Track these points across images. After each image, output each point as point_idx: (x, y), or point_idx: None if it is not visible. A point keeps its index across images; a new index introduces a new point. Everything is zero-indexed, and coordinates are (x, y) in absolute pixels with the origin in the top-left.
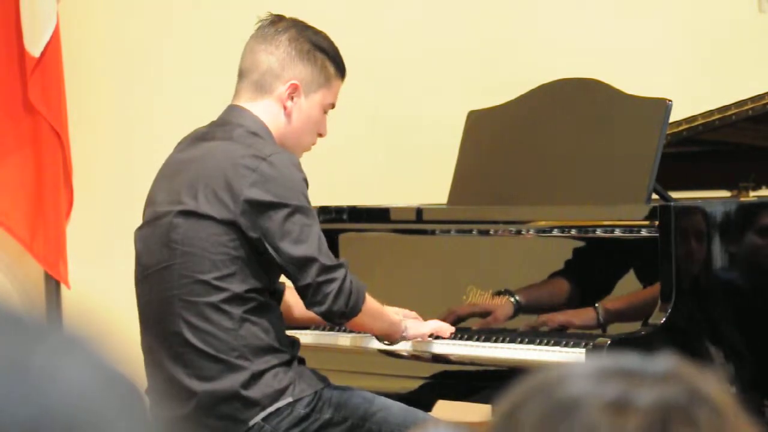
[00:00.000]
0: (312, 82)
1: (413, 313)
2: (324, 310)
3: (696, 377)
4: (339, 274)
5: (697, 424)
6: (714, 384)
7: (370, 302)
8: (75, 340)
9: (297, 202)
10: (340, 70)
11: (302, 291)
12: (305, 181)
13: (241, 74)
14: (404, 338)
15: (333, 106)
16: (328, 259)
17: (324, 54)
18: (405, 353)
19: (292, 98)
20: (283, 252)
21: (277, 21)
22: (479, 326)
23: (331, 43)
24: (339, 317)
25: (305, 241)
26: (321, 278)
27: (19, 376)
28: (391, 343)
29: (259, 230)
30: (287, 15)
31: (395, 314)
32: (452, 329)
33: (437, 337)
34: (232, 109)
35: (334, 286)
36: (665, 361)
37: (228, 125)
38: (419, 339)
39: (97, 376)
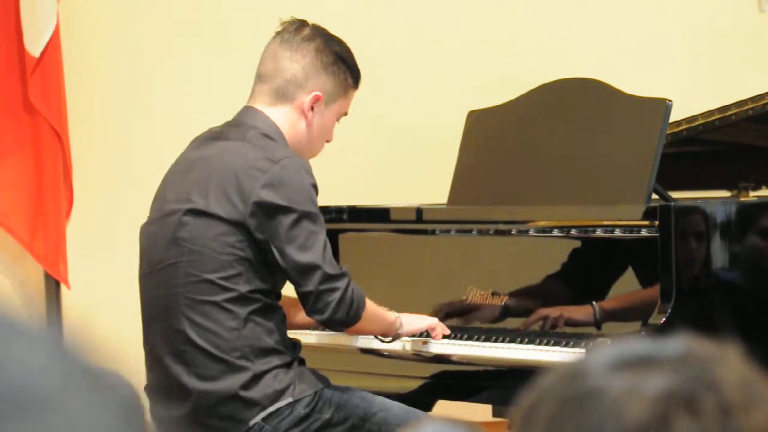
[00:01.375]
0: (333, 93)
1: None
2: (325, 319)
3: (709, 360)
4: (341, 283)
5: (700, 414)
6: (729, 366)
7: (368, 306)
8: (26, 328)
9: (305, 208)
10: (357, 80)
11: (304, 297)
12: (315, 187)
13: (261, 78)
14: (399, 335)
15: (346, 114)
16: (331, 267)
17: (346, 65)
18: (405, 353)
19: (312, 108)
20: (288, 257)
21: (300, 28)
22: (479, 326)
23: (351, 54)
24: (339, 325)
25: (310, 248)
26: (323, 287)
27: None
28: (390, 341)
29: (266, 233)
30: (285, 16)
31: (390, 313)
32: (447, 331)
33: (432, 338)
34: (247, 111)
35: (336, 295)
36: (679, 344)
37: (242, 126)
38: (415, 336)
39: (45, 354)
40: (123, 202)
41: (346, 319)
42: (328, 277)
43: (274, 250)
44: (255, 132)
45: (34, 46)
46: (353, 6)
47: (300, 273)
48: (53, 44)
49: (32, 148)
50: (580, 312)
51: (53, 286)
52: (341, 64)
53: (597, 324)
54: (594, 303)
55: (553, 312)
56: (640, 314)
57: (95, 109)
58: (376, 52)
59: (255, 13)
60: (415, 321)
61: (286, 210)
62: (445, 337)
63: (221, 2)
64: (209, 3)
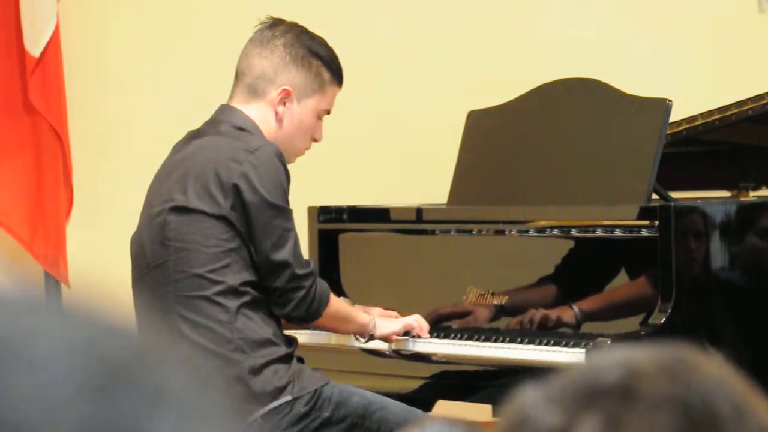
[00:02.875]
0: (305, 88)
1: (394, 313)
2: (284, 313)
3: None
4: (307, 282)
5: None
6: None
7: (336, 306)
8: (188, 403)
9: (281, 203)
10: (336, 76)
11: (269, 291)
12: (287, 175)
13: (237, 76)
14: (372, 337)
15: (328, 112)
16: (300, 266)
17: (319, 60)
18: (404, 354)
19: (284, 103)
20: (262, 252)
21: (275, 25)
22: (479, 326)
23: (328, 49)
24: (299, 321)
25: (283, 246)
26: (290, 285)
27: None
28: (366, 341)
29: (244, 225)
30: (286, 17)
31: (363, 315)
32: (427, 326)
33: (416, 337)
34: (224, 109)
35: (300, 294)
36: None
37: (217, 122)
38: (411, 338)
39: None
40: (123, 203)
41: (305, 315)
42: (296, 277)
43: (250, 244)
44: (227, 125)
45: (34, 46)
46: (353, 6)
47: (270, 269)
48: (53, 44)
49: (32, 148)
50: (580, 311)
51: (53, 286)
52: (313, 58)
53: (593, 324)
54: (594, 303)
55: (549, 312)
56: (640, 314)
57: (95, 109)
58: (376, 52)
59: (256, 15)
60: (390, 324)
61: (261, 204)
62: (445, 337)
63: (221, 4)
64: (209, 4)
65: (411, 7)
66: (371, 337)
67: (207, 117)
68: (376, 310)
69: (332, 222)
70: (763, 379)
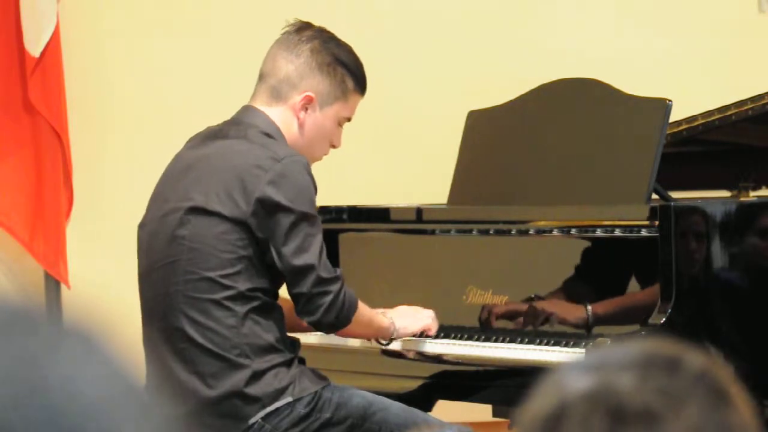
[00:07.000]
0: (328, 95)
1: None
2: (314, 320)
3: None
4: (334, 287)
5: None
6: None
7: (361, 311)
8: (89, 346)
9: (305, 209)
10: (360, 84)
11: (296, 298)
12: (315, 186)
13: (261, 77)
14: (393, 339)
15: (349, 119)
16: (325, 271)
17: (344, 68)
18: (405, 353)
19: (305, 109)
20: (285, 258)
21: (302, 29)
22: (479, 326)
23: (355, 57)
24: (328, 328)
25: (307, 251)
26: (316, 290)
27: (35, 395)
28: (387, 343)
29: (265, 232)
30: (281, 17)
31: (384, 318)
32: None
33: (427, 336)
34: (247, 110)
35: (328, 299)
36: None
37: (241, 124)
38: (411, 338)
39: (114, 387)
40: (123, 202)
41: (335, 321)
42: (322, 281)
43: (272, 250)
44: (255, 130)
45: (34, 46)
46: (353, 5)
47: (295, 275)
48: (53, 44)
49: (32, 148)
50: (580, 312)
51: (53, 286)
52: (338, 65)
53: (593, 324)
54: (594, 303)
55: (550, 312)
56: (640, 314)
57: (95, 109)
58: (376, 51)
59: (258, 13)
60: (408, 324)
61: (286, 210)
62: (445, 337)
63: (220, 3)
64: (208, 3)
65: (411, 7)
66: (391, 340)
67: (207, 116)
68: (398, 309)
69: (332, 222)
70: (763, 378)
